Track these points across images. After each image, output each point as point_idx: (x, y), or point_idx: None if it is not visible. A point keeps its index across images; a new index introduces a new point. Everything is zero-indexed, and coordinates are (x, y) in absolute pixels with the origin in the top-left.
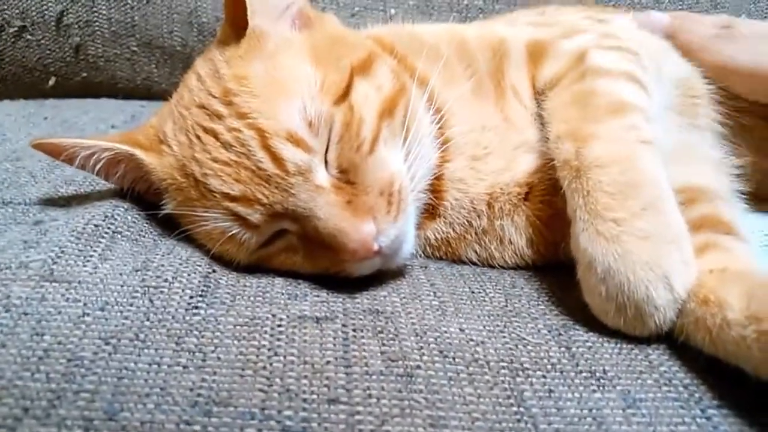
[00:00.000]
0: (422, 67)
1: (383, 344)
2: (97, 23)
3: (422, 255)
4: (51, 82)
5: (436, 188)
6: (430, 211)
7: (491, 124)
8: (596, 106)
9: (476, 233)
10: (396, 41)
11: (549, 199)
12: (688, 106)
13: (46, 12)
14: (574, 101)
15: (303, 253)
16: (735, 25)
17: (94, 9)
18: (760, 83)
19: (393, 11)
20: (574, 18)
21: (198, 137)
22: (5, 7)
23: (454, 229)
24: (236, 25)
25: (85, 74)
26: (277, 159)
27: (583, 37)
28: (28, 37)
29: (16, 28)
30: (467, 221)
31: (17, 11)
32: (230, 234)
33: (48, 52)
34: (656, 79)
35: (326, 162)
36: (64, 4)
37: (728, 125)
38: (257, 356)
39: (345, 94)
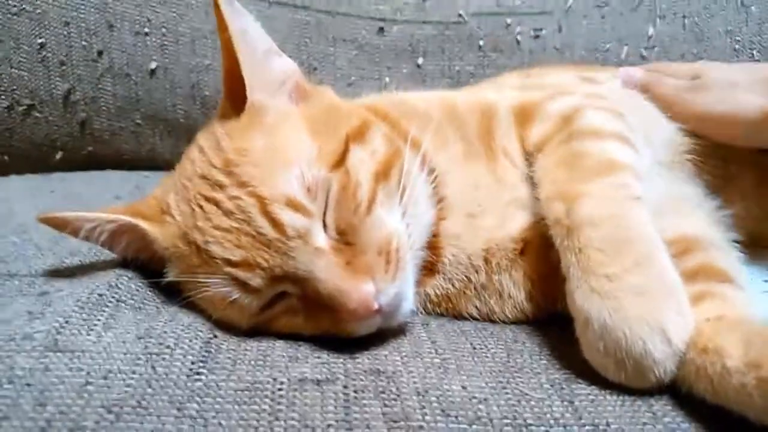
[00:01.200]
0: (415, 131)
1: (385, 405)
2: (102, 99)
3: (423, 312)
4: (58, 156)
5: (433, 245)
6: (429, 268)
7: (483, 183)
8: (585, 167)
9: (475, 288)
10: (389, 108)
11: (545, 254)
12: (677, 161)
13: (53, 90)
14: (563, 162)
15: (304, 314)
16: (704, 74)
17: (100, 86)
18: (733, 129)
19: (387, 79)
20: (561, 78)
21: (200, 206)
22: (15, 87)
23: (453, 285)
24: (235, 100)
25: (91, 148)
26: (276, 224)
27: (569, 98)
28: (37, 114)
29: (24, 107)
30: (466, 277)
31: (26, 91)
32: (231, 299)
33: (55, 128)
34: (644, 138)
35: (325, 225)
36: (71, 82)
37: (717, 175)
38: (258, 421)
39: (341, 160)
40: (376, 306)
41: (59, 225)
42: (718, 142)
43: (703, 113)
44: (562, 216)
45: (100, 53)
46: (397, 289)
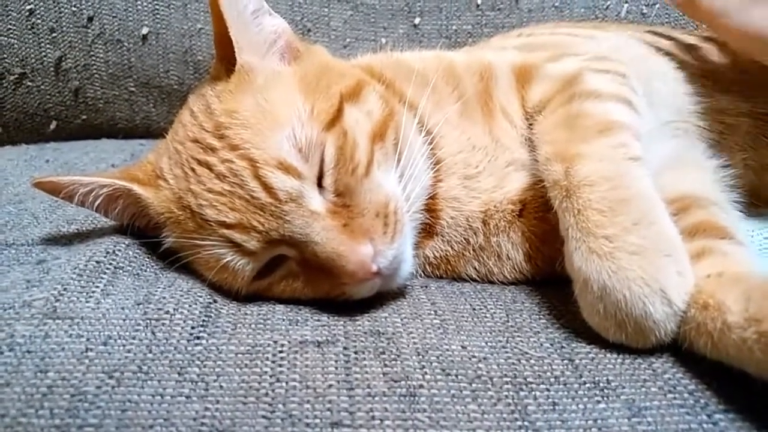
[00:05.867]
0: (411, 92)
1: (385, 365)
2: (94, 66)
3: (422, 274)
4: (52, 125)
5: (431, 207)
6: (428, 230)
7: (481, 144)
8: (584, 127)
9: (474, 250)
10: (384, 68)
11: (543, 215)
12: (680, 120)
13: (44, 58)
14: (562, 123)
15: (303, 278)
16: None
17: (92, 53)
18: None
19: (384, 40)
20: (557, 37)
21: (193, 170)
22: (5, 55)
23: (452, 247)
24: (226, 62)
25: (84, 117)
26: (268, 188)
27: (571, 60)
28: (28, 83)
29: (16, 76)
30: (464, 239)
31: (17, 59)
32: (226, 261)
33: (48, 96)
34: (646, 98)
35: (322, 186)
36: (62, 49)
37: (716, 129)
38: (259, 383)
39: (335, 120)
40: (374, 268)
41: (54, 189)
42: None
43: (752, 29)
44: (560, 177)
45: (90, 19)
46: (396, 252)
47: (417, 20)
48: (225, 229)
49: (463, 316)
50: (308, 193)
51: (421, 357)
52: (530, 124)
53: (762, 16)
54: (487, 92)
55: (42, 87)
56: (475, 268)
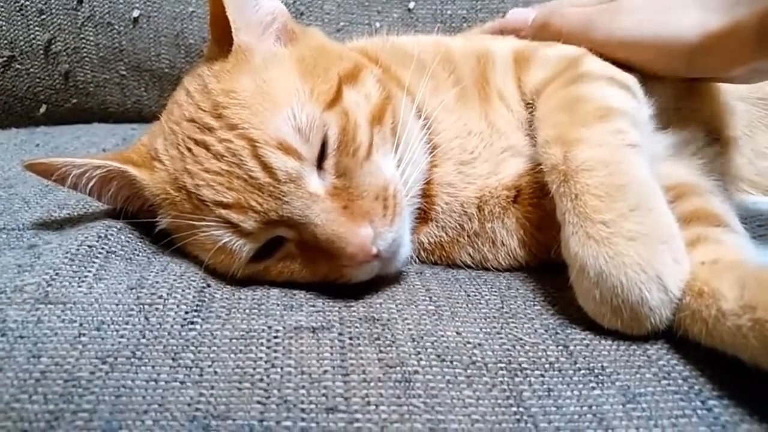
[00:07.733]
0: (408, 76)
1: (380, 351)
2: (85, 50)
3: (417, 260)
4: (42, 109)
5: (426, 193)
6: (422, 216)
7: (477, 129)
8: (584, 112)
9: (468, 236)
10: (380, 52)
11: (538, 202)
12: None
13: (33, 41)
14: (562, 106)
15: (301, 260)
16: None
17: (82, 35)
18: (669, 56)
19: (378, 24)
20: None
21: (189, 149)
22: None
23: (446, 233)
24: (222, 43)
25: (75, 100)
26: (267, 168)
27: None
28: (17, 66)
29: (4, 58)
30: (459, 224)
31: (5, 41)
32: (223, 242)
33: (37, 80)
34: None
35: (322, 168)
36: (52, 32)
37: (714, 117)
38: (254, 368)
39: (335, 101)
40: (374, 251)
41: (46, 171)
42: (654, 73)
43: (628, 38)
44: (559, 161)
45: (80, 1)
46: (395, 234)
47: (411, 4)
48: (222, 209)
49: (457, 303)
50: (307, 175)
51: (416, 343)
52: (528, 108)
53: (626, 24)
54: (484, 77)
55: (31, 70)
56: (470, 255)
